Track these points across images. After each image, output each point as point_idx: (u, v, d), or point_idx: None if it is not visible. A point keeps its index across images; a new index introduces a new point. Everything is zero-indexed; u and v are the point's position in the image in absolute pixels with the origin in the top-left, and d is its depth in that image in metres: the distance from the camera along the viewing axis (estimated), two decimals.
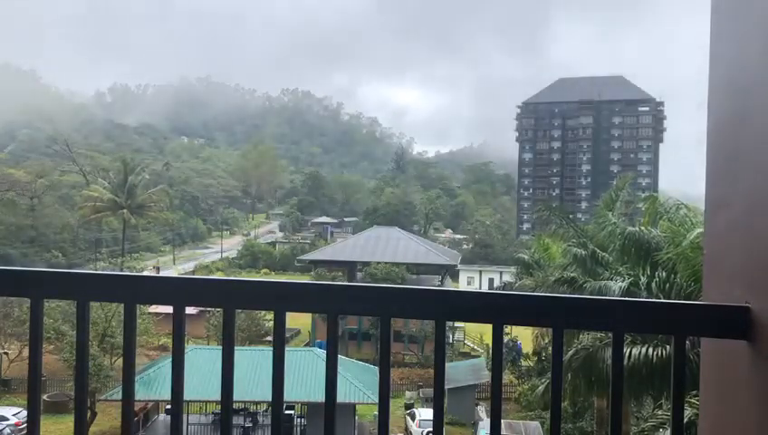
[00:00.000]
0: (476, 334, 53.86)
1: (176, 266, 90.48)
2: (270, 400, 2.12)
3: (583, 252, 22.45)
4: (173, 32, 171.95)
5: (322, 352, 30.02)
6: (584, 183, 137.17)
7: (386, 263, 54.82)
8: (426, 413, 34.17)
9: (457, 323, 45.96)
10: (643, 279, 19.20)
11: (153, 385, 28.98)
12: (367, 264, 55.66)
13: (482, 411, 35.52)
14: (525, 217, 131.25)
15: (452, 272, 64.22)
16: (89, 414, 23.84)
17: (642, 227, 20.38)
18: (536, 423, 30.42)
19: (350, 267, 57.50)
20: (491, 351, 2.02)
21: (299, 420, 32.54)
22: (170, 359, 2.20)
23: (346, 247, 62.19)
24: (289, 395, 28.35)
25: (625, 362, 15.80)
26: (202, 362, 28.07)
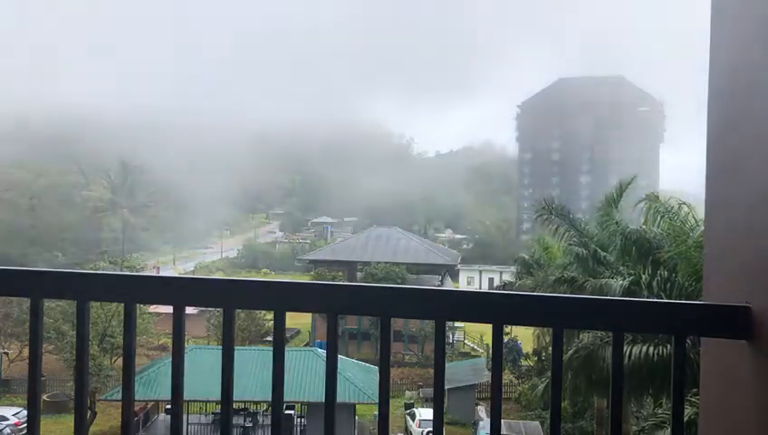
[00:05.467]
0: (476, 334, 53.88)
1: (176, 266, 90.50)
2: (270, 400, 2.12)
3: (585, 251, 22.46)
4: (176, 34, 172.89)
5: (322, 352, 30.03)
6: (584, 183, 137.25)
7: (386, 263, 54.84)
8: (426, 413, 34.18)
9: (457, 323, 45.97)
10: (644, 278, 19.21)
11: (153, 385, 28.99)
12: (367, 264, 55.69)
13: (482, 411, 35.52)
14: (525, 217, 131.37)
15: (452, 272, 64.24)
16: (89, 414, 23.85)
17: (643, 226, 20.39)
18: (536, 423, 30.43)
19: (350, 267, 57.52)
20: (491, 351, 2.02)
21: (299, 420, 32.54)
22: (170, 359, 2.20)
23: (346, 247, 62.23)
24: (289, 395, 28.39)
25: (625, 361, 15.85)
26: (202, 362, 28.05)
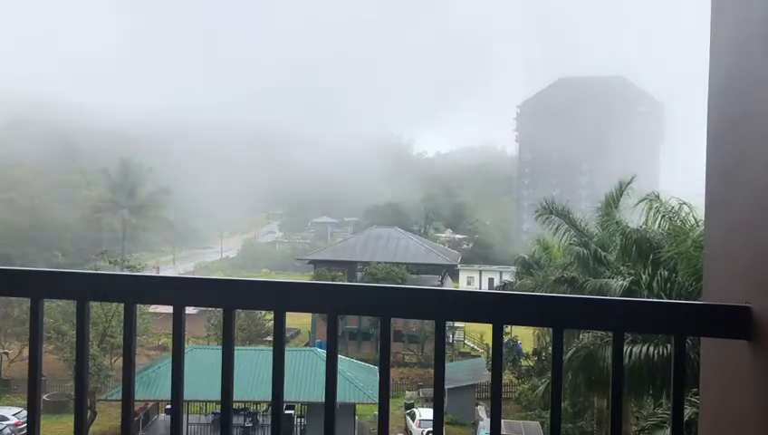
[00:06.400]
0: (476, 334, 53.88)
1: (176, 266, 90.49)
2: (270, 400, 2.12)
3: (585, 251, 22.45)
4: (175, 35, 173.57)
5: (322, 352, 30.03)
6: (584, 183, 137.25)
7: (386, 263, 54.83)
8: (426, 413, 34.18)
9: (457, 323, 45.97)
10: (644, 278, 19.21)
11: (153, 385, 28.99)
12: (367, 264, 55.67)
13: (482, 411, 35.51)
14: (525, 217, 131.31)
15: (452, 272, 64.23)
16: (89, 414, 23.87)
17: (644, 226, 20.40)
18: (536, 423, 30.40)
19: (350, 267, 57.50)
20: (491, 351, 2.02)
21: (299, 420, 32.55)
22: (170, 359, 2.20)
23: (346, 247, 62.22)
24: (289, 395, 28.38)
25: (625, 361, 15.83)
26: (202, 362, 28.05)
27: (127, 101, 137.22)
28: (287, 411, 30.39)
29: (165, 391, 27.35)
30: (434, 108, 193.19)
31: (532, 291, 25.46)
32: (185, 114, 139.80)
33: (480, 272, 76.78)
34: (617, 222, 22.37)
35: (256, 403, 31.86)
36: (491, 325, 1.95)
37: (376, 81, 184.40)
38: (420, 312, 2.10)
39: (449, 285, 58.47)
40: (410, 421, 35.15)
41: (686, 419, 2.00)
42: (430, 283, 54.79)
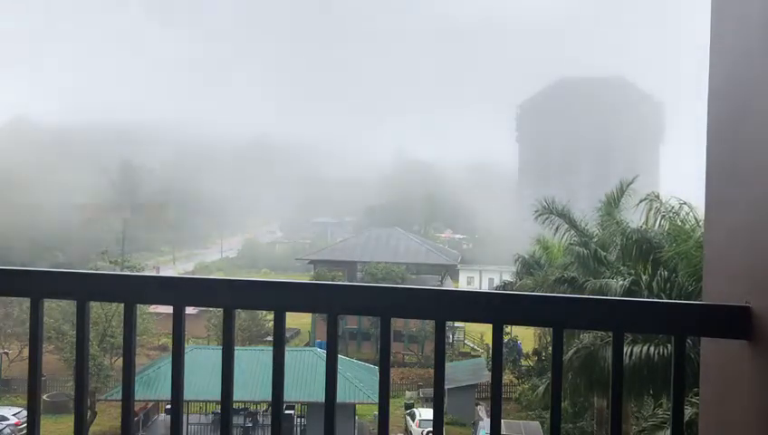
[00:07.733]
0: (476, 334, 53.88)
1: (176, 266, 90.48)
2: (270, 400, 2.12)
3: (585, 251, 22.44)
4: (175, 35, 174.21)
5: (322, 352, 30.04)
6: (584, 183, 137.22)
7: (386, 263, 54.84)
8: (426, 413, 34.18)
9: (457, 323, 45.95)
10: (644, 278, 19.20)
11: (153, 385, 29.00)
12: (367, 264, 55.68)
13: (482, 411, 35.49)
14: (525, 216, 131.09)
15: (452, 272, 64.24)
16: (89, 414, 23.86)
17: (644, 226, 20.40)
18: (536, 423, 30.40)
19: (350, 267, 57.50)
20: (491, 351, 2.02)
21: (299, 420, 32.55)
22: (170, 359, 2.20)
23: (346, 247, 62.21)
24: (289, 395, 28.39)
25: (626, 361, 15.82)
26: (202, 362, 28.07)
27: (127, 102, 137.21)
28: (287, 411, 30.40)
29: (165, 391, 27.35)
30: (434, 107, 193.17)
31: (532, 291, 25.46)
32: (185, 114, 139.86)
33: (480, 272, 76.80)
34: (617, 222, 22.36)
35: (256, 403, 31.86)
36: (491, 325, 1.95)
37: (376, 80, 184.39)
38: (420, 312, 2.10)
39: (449, 285, 58.46)
40: (410, 421, 35.14)
41: (686, 419, 2.00)
42: (430, 283, 54.76)
